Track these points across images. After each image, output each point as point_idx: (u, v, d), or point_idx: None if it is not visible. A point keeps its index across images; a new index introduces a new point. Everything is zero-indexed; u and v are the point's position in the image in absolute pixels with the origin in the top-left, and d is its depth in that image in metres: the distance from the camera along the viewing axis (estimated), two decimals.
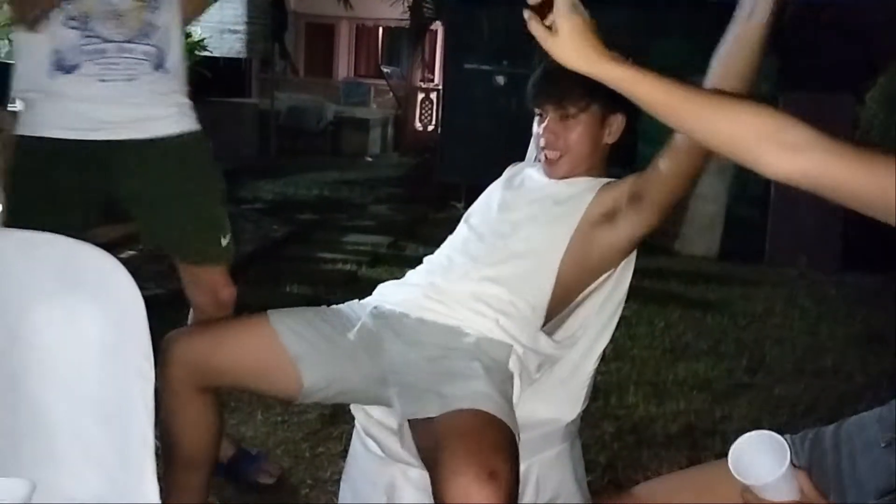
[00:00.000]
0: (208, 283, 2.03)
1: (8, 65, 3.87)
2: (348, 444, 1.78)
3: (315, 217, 6.26)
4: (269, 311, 1.64)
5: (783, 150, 0.95)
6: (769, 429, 1.02)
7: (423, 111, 12.66)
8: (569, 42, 1.06)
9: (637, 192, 1.57)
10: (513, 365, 1.58)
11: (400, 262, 4.76)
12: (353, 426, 1.74)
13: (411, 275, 1.73)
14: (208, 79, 5.68)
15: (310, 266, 4.74)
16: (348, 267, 4.71)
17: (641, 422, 2.81)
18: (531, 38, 1.10)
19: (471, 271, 1.63)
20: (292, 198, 6.93)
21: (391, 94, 12.24)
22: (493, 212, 1.73)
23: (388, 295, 1.69)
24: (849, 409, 2.92)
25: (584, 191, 1.66)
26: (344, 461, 1.79)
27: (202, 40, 5.57)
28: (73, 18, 1.80)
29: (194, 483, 1.67)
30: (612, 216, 1.61)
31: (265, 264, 4.72)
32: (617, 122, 1.69)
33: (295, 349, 1.56)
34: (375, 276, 4.50)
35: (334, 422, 2.50)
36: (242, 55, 8.30)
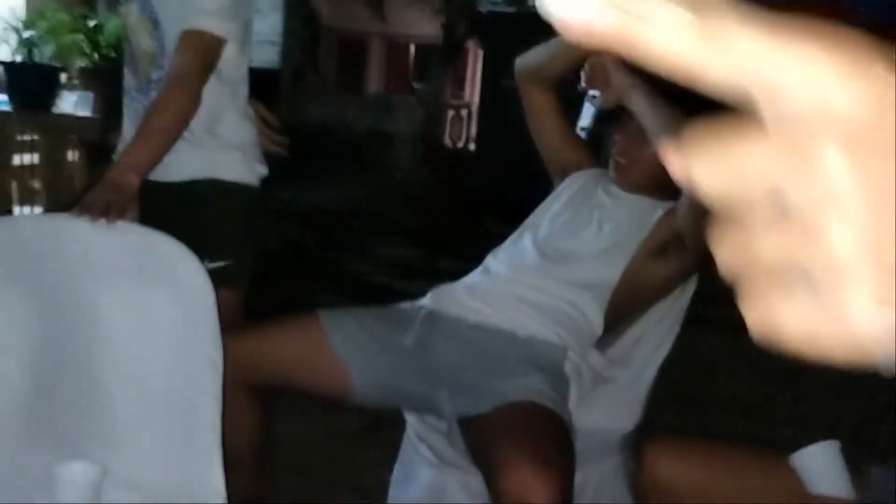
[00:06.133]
0: None
1: (54, 68, 3.94)
2: (390, 452, 1.76)
3: (346, 227, 6.27)
4: (319, 311, 1.63)
5: None
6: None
7: (453, 128, 12.73)
8: None
9: (678, 228, 1.57)
10: (568, 370, 1.55)
11: (433, 275, 4.68)
12: (396, 434, 1.72)
13: (467, 279, 1.72)
14: None
15: (342, 276, 4.74)
16: (381, 279, 4.70)
17: None
18: None
19: (530, 280, 1.62)
20: (323, 208, 6.96)
21: (421, 110, 12.29)
22: (555, 226, 1.71)
23: (443, 298, 1.67)
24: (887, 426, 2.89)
25: (644, 219, 1.65)
26: (385, 470, 1.77)
27: None
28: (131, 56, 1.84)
29: (238, 483, 1.65)
30: (664, 250, 1.60)
31: (296, 273, 4.72)
32: None
33: (344, 351, 1.55)
34: (409, 288, 4.46)
35: (377, 428, 2.48)
36: (277, 66, 8.37)
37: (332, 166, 9.61)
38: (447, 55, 11.65)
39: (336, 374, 1.56)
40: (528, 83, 1.81)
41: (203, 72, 1.65)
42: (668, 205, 1.67)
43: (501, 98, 7.13)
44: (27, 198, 3.79)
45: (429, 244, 5.75)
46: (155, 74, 1.77)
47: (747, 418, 2.97)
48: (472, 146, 12.57)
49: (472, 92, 14.33)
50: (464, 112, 13.21)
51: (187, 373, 1.14)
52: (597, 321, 1.60)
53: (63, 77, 3.96)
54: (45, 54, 3.88)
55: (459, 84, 13.54)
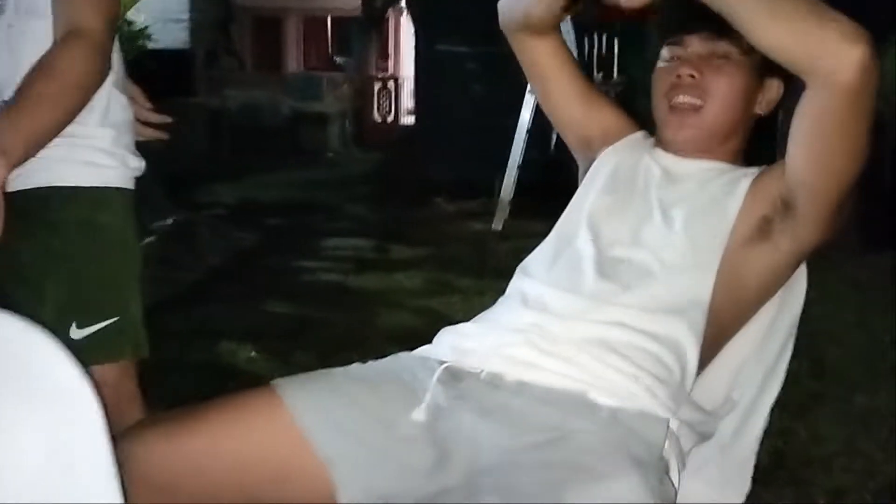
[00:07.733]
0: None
1: None
2: None
3: (285, 222, 5.70)
4: (276, 383, 1.07)
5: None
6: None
7: (381, 102, 12.10)
8: None
9: (786, 198, 1.10)
10: (668, 449, 1.06)
11: (390, 266, 4.25)
12: None
13: (494, 312, 1.20)
14: (153, 76, 5.07)
15: (288, 278, 4.19)
16: (333, 276, 4.18)
17: None
18: None
19: (592, 309, 1.11)
20: (256, 201, 6.36)
21: (346, 86, 11.66)
22: (603, 226, 1.20)
23: (466, 345, 1.14)
24: None
25: (725, 191, 1.16)
26: None
27: (146, 28, 4.94)
28: None
29: None
30: (766, 229, 1.13)
31: (235, 279, 4.15)
32: (774, 89, 1.21)
33: (323, 448, 1.02)
34: (367, 284, 4.01)
35: None
36: (188, 46, 7.65)
37: (259, 152, 8.94)
38: (369, 26, 11.05)
39: (312, 479, 1.02)
40: (521, 32, 1.29)
41: (111, 27, 1.17)
42: (741, 167, 1.20)
43: (438, 65, 6.60)
44: None
45: (377, 233, 5.23)
46: None
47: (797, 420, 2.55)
48: (402, 119, 12.03)
49: (399, 62, 13.74)
50: (391, 84, 12.61)
51: None
52: (692, 359, 1.11)
53: None
54: None
55: (384, 55, 12.93)
